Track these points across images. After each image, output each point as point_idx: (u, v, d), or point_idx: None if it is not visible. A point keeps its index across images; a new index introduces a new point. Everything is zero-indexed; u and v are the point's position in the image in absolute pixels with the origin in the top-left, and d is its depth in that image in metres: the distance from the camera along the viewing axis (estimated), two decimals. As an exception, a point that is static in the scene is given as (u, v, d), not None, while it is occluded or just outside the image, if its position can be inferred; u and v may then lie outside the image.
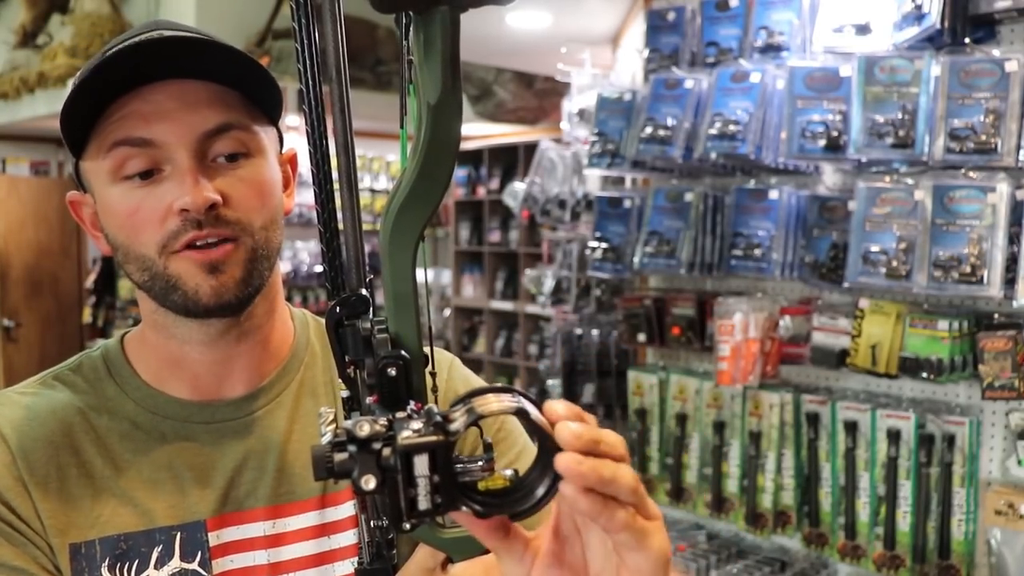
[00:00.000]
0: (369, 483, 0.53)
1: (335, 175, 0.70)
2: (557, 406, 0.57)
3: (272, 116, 0.93)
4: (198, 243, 0.85)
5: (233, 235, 0.86)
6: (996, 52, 1.94)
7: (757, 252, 2.27)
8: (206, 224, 0.85)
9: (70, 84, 0.92)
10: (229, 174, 0.87)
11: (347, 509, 0.95)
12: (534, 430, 0.57)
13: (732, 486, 2.43)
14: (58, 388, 0.92)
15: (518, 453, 0.99)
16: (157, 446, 0.90)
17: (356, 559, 0.93)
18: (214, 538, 0.89)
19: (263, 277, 0.90)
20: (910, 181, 2.03)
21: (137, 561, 0.87)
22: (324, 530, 0.94)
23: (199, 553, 0.88)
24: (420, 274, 0.64)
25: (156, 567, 0.87)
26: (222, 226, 0.86)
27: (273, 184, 0.92)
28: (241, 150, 0.88)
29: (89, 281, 6.86)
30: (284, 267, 6.26)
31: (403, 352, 0.62)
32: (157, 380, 0.93)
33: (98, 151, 0.86)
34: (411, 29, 0.59)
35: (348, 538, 0.94)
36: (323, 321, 1.05)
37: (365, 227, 0.70)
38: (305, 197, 6.25)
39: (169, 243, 0.85)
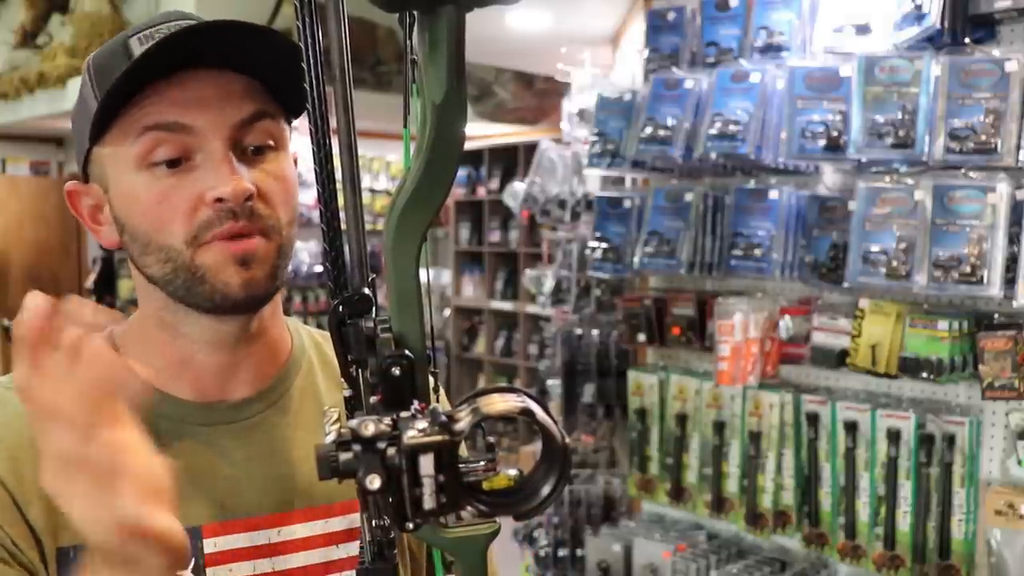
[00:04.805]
0: (374, 482, 0.53)
1: (338, 175, 0.70)
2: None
3: (294, 112, 0.92)
4: (230, 235, 0.83)
5: (264, 230, 0.85)
6: (996, 52, 1.94)
7: (757, 252, 2.28)
8: (241, 216, 0.83)
9: (83, 73, 0.89)
10: (259, 167, 0.86)
11: (355, 519, 0.93)
12: (539, 430, 0.57)
13: (732, 486, 2.43)
14: None
15: None
16: (153, 447, 0.89)
17: None
18: (210, 545, 0.86)
19: (285, 275, 0.89)
20: (910, 181, 2.03)
21: None
22: (332, 539, 0.92)
23: (192, 560, 0.85)
24: (421, 274, 0.64)
25: None
26: (255, 219, 0.84)
27: (295, 180, 0.90)
28: (269, 142, 0.87)
29: (89, 281, 6.86)
30: (284, 267, 6.23)
31: (407, 352, 0.62)
32: (155, 378, 0.89)
33: (124, 136, 0.83)
34: (415, 29, 0.59)
35: (355, 549, 0.92)
36: (315, 334, 1.04)
37: (366, 227, 0.70)
38: (305, 197, 6.26)
39: (200, 233, 0.83)
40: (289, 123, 0.93)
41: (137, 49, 0.85)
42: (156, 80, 0.82)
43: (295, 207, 0.89)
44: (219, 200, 0.82)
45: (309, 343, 1.02)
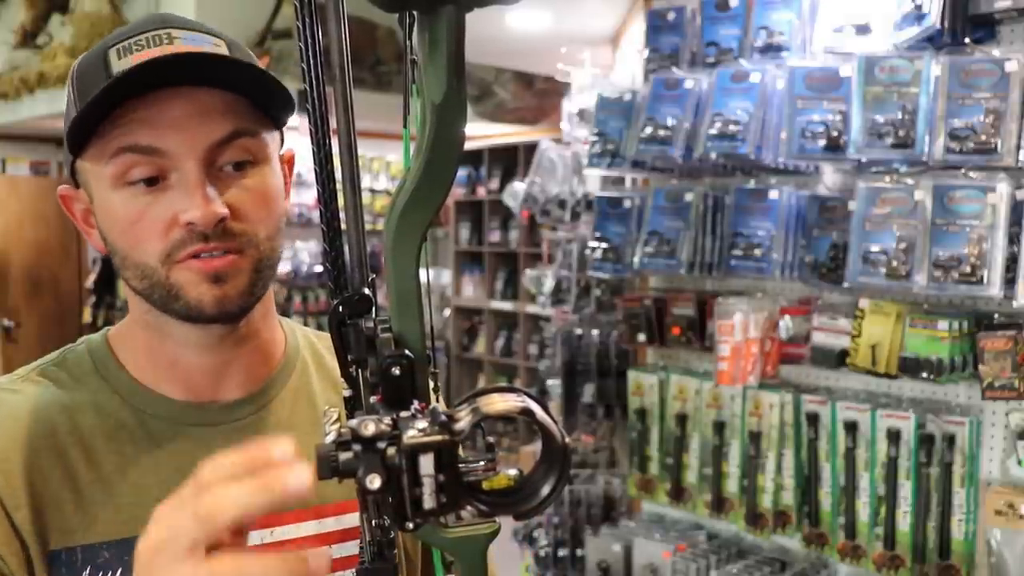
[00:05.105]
0: (374, 482, 0.53)
1: (338, 175, 0.70)
2: None
3: (278, 121, 0.92)
4: (202, 254, 0.84)
5: (239, 247, 0.85)
6: (996, 52, 1.94)
7: (757, 252, 2.28)
8: (213, 237, 0.83)
9: (68, 79, 0.89)
10: (236, 184, 0.86)
11: (348, 520, 0.94)
12: (539, 429, 0.57)
13: (732, 486, 2.43)
14: (41, 384, 0.90)
15: None
16: (145, 448, 0.88)
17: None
18: None
19: (266, 286, 0.90)
20: (910, 181, 2.04)
21: (120, 570, 0.84)
22: (325, 539, 0.92)
23: None
24: (421, 274, 0.64)
25: None
26: (228, 239, 0.84)
27: (278, 192, 0.91)
28: (248, 158, 0.87)
29: (89, 281, 6.86)
30: (284, 267, 6.27)
31: (407, 351, 0.62)
32: (147, 378, 0.91)
33: (101, 155, 0.84)
34: (415, 29, 0.59)
35: (349, 548, 0.93)
36: (309, 334, 1.04)
37: (366, 227, 0.70)
38: (305, 197, 6.26)
39: (173, 253, 0.84)
40: (279, 128, 0.93)
41: (114, 61, 0.85)
42: (133, 97, 0.82)
43: (277, 219, 0.90)
44: (191, 224, 0.83)
45: (304, 343, 1.02)
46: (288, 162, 0.96)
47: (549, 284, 3.44)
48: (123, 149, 0.83)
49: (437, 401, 0.66)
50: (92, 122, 0.82)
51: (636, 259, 2.47)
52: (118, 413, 0.89)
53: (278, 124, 0.93)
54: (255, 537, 0.89)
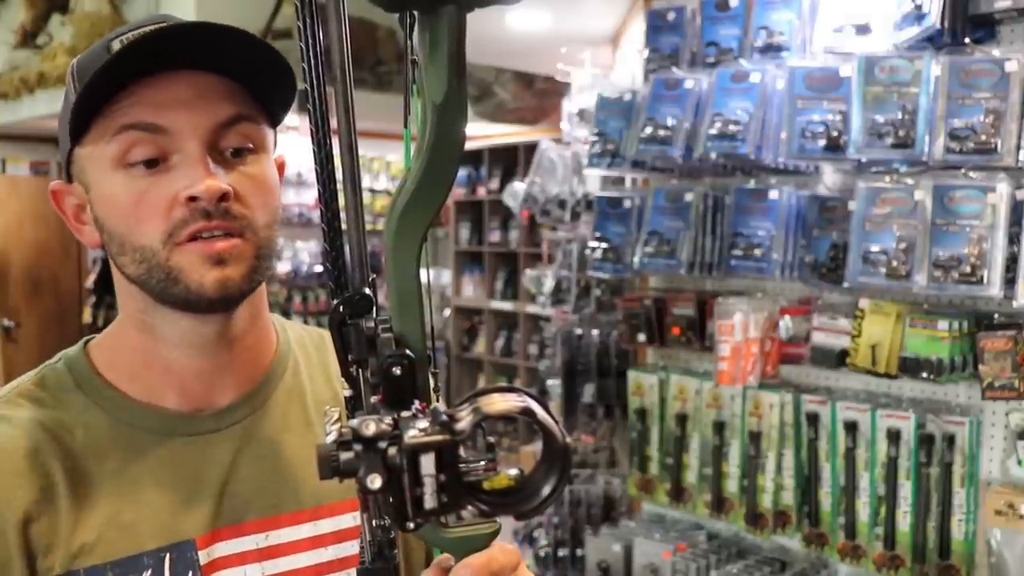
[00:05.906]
0: (375, 482, 0.53)
1: (338, 175, 0.70)
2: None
3: (276, 117, 0.91)
4: (203, 234, 0.83)
5: (240, 230, 0.84)
6: (996, 52, 1.94)
7: (757, 252, 2.27)
8: (215, 215, 0.82)
9: (67, 75, 0.89)
10: (236, 169, 0.85)
11: (344, 520, 0.94)
12: (540, 429, 0.57)
13: (732, 486, 2.43)
14: (23, 406, 0.87)
15: None
16: (138, 462, 0.86)
17: (355, 569, 0.92)
18: (204, 555, 0.86)
19: (263, 276, 0.88)
20: (910, 181, 2.03)
21: None
22: (320, 541, 0.92)
23: (190, 573, 0.85)
24: (421, 274, 0.64)
25: None
26: (229, 219, 0.83)
27: (275, 183, 0.90)
28: (248, 145, 0.87)
29: (89, 281, 6.85)
30: (284, 267, 6.27)
31: (408, 351, 0.62)
32: (136, 389, 0.89)
33: (102, 135, 0.83)
34: (416, 29, 0.59)
35: (345, 549, 0.93)
36: (298, 329, 1.04)
37: (366, 227, 0.70)
38: (305, 197, 6.26)
39: (175, 233, 0.82)
40: (273, 126, 0.92)
41: (117, 50, 0.84)
42: (135, 81, 0.82)
43: (275, 209, 0.89)
44: (193, 199, 0.82)
45: (295, 341, 1.02)
46: (279, 168, 0.95)
47: (549, 284, 3.44)
48: (126, 127, 0.82)
49: (437, 401, 0.66)
50: (95, 104, 0.82)
51: (636, 259, 2.47)
52: (107, 430, 0.87)
53: (275, 121, 0.92)
54: (250, 542, 0.89)
